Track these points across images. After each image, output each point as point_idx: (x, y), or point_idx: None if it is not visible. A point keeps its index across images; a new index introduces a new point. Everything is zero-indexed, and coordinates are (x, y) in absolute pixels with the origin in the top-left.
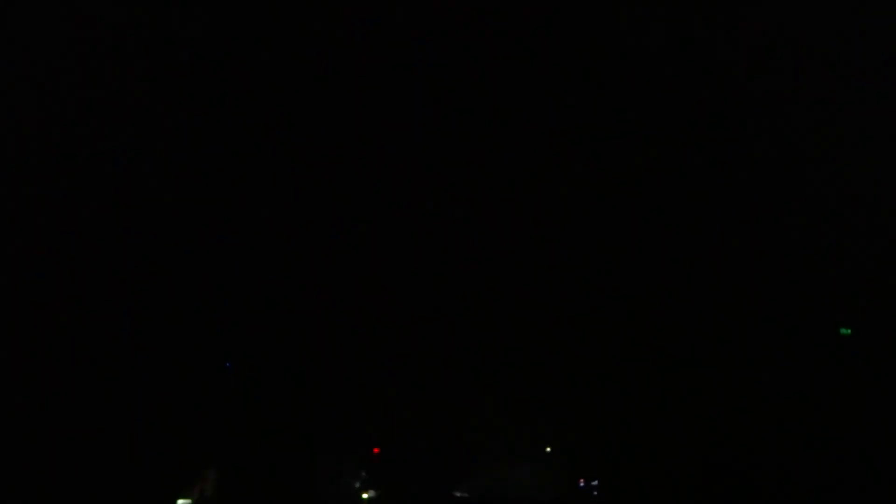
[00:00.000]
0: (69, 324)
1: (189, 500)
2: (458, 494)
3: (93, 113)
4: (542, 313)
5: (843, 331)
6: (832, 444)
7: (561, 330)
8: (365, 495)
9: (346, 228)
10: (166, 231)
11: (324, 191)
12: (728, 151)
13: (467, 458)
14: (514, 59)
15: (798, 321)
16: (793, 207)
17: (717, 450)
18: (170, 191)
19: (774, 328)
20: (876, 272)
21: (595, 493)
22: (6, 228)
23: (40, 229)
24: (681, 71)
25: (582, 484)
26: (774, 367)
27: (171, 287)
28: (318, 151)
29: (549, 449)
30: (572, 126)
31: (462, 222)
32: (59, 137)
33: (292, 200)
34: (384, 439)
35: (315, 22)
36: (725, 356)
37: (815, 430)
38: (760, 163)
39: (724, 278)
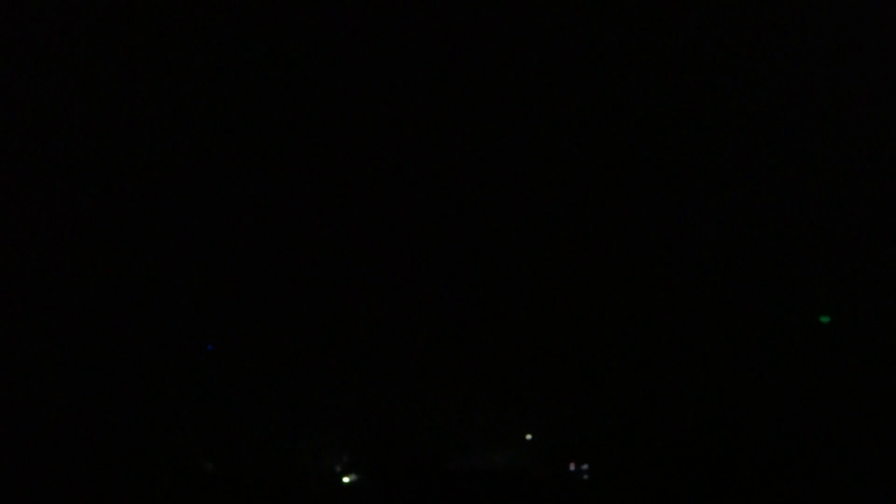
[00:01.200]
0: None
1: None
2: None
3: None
4: (523, 299)
5: (823, 318)
6: (815, 423)
7: (544, 314)
8: (346, 479)
9: (330, 209)
10: (146, 211)
11: (308, 173)
12: (710, 145)
13: (446, 444)
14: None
15: (777, 308)
16: (772, 196)
17: (708, 434)
18: (151, 173)
19: (757, 310)
20: (855, 259)
21: (585, 476)
22: None
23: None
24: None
25: (573, 468)
26: (759, 351)
27: (150, 267)
28: (300, 137)
29: (529, 437)
30: (546, 117)
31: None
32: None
33: (274, 179)
34: (363, 423)
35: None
36: (711, 341)
37: (799, 409)
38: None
39: (705, 264)
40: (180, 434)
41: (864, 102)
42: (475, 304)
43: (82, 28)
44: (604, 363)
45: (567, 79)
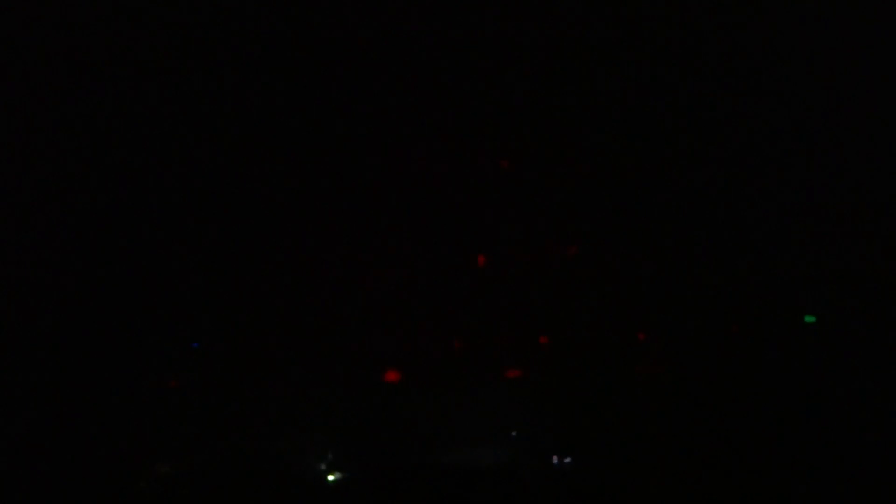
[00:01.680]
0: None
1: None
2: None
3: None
4: (508, 297)
5: (808, 318)
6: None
7: (528, 312)
8: (331, 477)
9: (313, 208)
10: (134, 210)
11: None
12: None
13: (431, 442)
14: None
15: (762, 308)
16: (760, 196)
17: (690, 428)
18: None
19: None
20: (840, 257)
21: (568, 469)
22: None
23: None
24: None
25: (556, 461)
26: (742, 347)
27: (137, 266)
28: (286, 133)
29: (514, 433)
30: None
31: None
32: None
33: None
34: (347, 422)
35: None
36: (692, 338)
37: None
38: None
39: (686, 261)
40: (165, 431)
41: (842, 108)
42: (459, 302)
43: (81, 27)
44: (587, 361)
45: (567, 78)
